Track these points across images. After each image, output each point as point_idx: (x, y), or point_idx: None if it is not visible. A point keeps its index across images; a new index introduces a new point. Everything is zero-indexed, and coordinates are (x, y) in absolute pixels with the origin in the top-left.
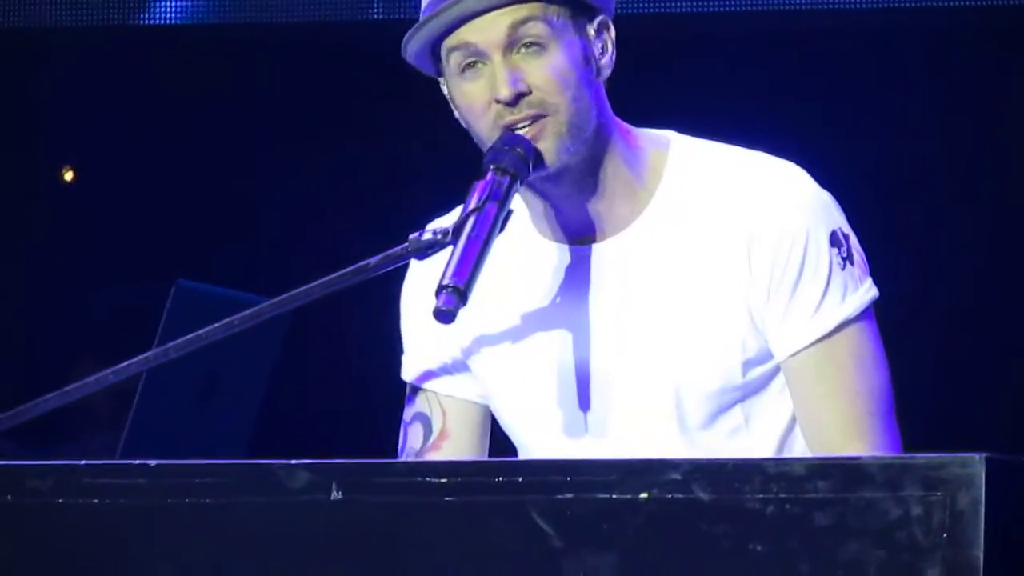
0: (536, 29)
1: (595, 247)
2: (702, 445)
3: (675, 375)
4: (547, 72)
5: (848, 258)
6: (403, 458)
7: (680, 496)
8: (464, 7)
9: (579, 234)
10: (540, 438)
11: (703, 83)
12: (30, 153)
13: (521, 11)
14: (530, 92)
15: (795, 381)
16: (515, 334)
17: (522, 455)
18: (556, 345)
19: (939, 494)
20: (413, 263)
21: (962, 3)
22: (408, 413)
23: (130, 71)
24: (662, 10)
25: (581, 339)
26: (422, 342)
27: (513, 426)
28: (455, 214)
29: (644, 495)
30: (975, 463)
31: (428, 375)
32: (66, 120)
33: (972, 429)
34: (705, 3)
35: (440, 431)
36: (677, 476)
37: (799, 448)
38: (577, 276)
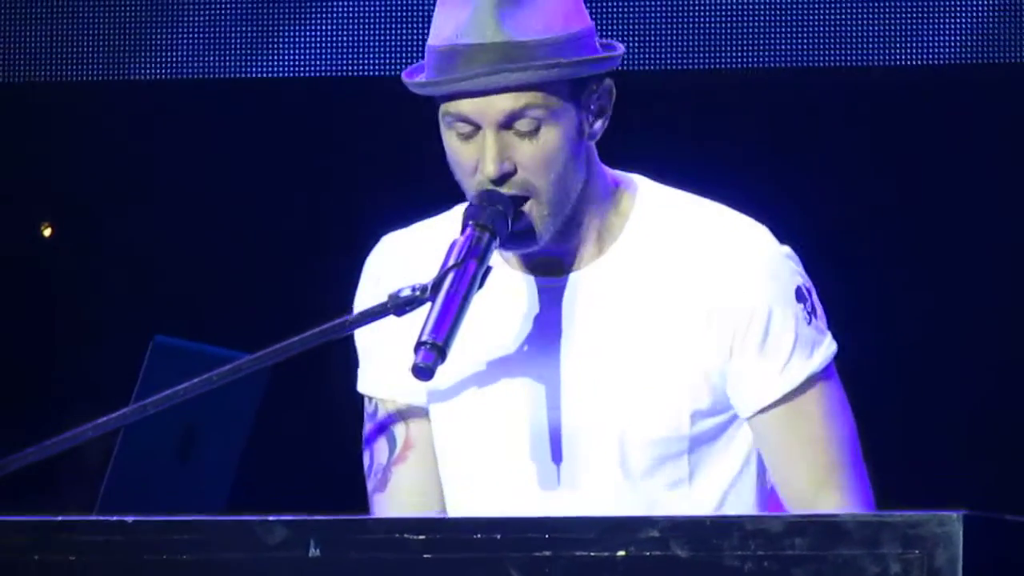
0: (534, 113)
1: (557, 280)
2: (642, 493)
3: (621, 419)
4: (537, 154)
5: (812, 312)
6: (372, 477)
7: (659, 553)
8: (466, 86)
9: (543, 267)
10: (483, 486)
11: (661, 136)
12: (9, 208)
13: (522, 99)
14: (515, 172)
15: (765, 436)
16: (472, 366)
17: (460, 489)
18: (509, 382)
19: (917, 552)
20: (368, 273)
21: (909, 63)
22: (369, 429)
23: (108, 126)
24: (635, 68)
25: (536, 376)
26: (381, 352)
27: (456, 460)
28: (414, 229)
29: (622, 553)
30: (953, 521)
31: (387, 386)
32: (44, 175)
33: (943, 483)
34: (664, 61)
35: (404, 442)
36: (655, 533)
37: (740, 505)
38: (537, 309)
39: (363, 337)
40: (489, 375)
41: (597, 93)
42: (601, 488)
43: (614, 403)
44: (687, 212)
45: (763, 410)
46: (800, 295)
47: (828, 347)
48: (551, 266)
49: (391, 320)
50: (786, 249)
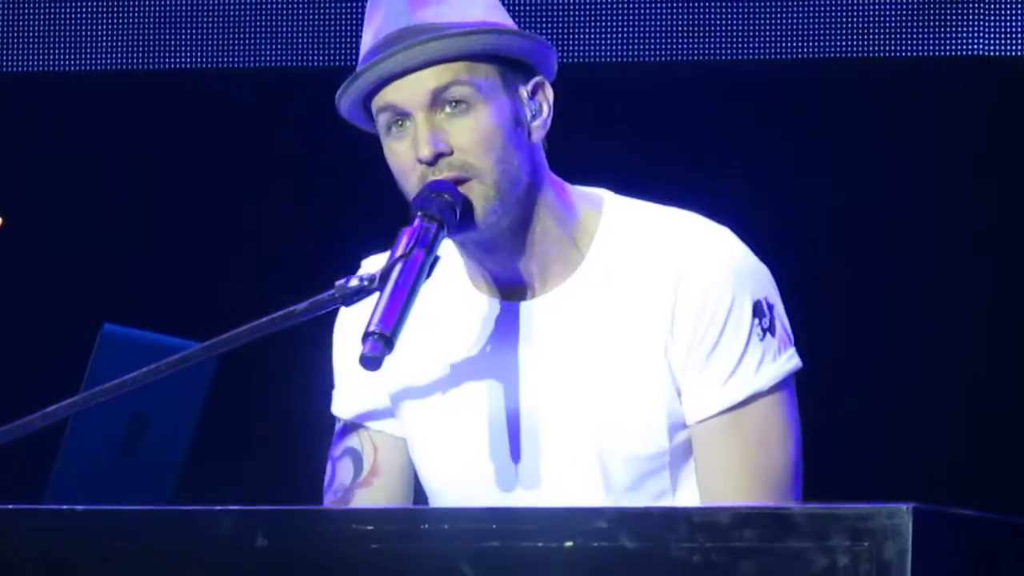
0: (460, 91)
1: (526, 304)
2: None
3: (599, 439)
4: (470, 133)
5: (769, 329)
6: (332, 493)
7: (606, 544)
8: (385, 68)
9: (512, 290)
10: (464, 492)
11: (636, 133)
12: None
13: (445, 73)
14: (451, 152)
15: (699, 447)
16: (444, 387)
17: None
18: (485, 403)
19: (866, 544)
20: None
21: (882, 55)
22: (337, 448)
23: (56, 116)
24: (591, 60)
25: (511, 398)
26: (354, 378)
27: (434, 478)
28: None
29: (569, 543)
30: (902, 514)
31: (360, 411)
32: None
33: (897, 481)
34: (633, 53)
35: (371, 468)
36: (603, 524)
37: None
38: (508, 332)
39: (338, 359)
40: (457, 399)
41: (529, 86)
42: (583, 501)
43: (592, 425)
44: (654, 224)
45: (702, 421)
46: (758, 308)
47: (782, 365)
48: (519, 289)
49: None
50: (756, 261)
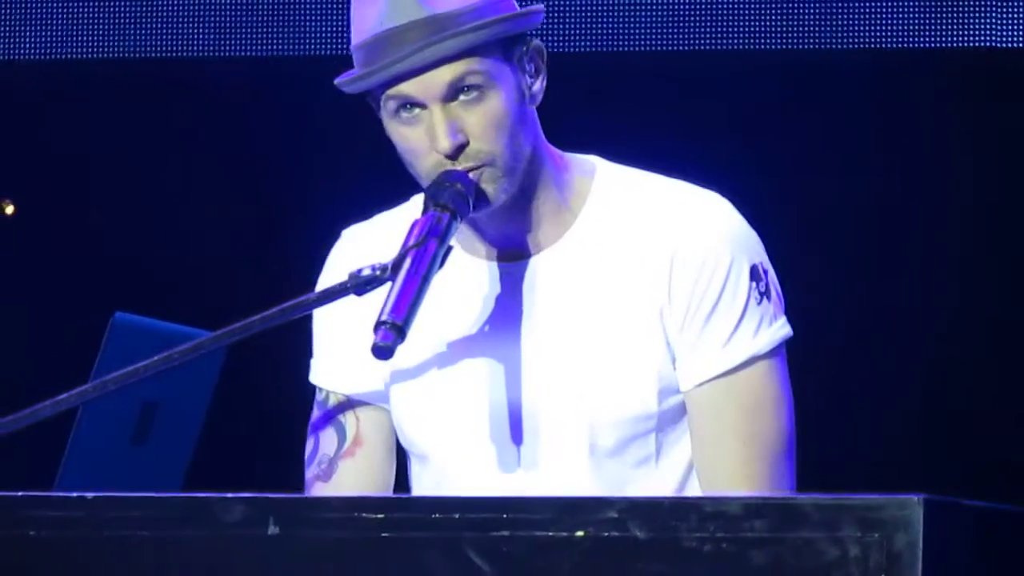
0: (474, 79)
1: (518, 265)
2: (609, 473)
3: (588, 400)
4: (485, 120)
5: (766, 293)
6: (315, 465)
7: (616, 534)
8: (401, 67)
9: (505, 252)
10: (450, 458)
11: (633, 119)
12: None
13: (459, 68)
14: (468, 142)
15: (695, 414)
16: (441, 353)
17: (419, 467)
18: (484, 372)
19: (876, 535)
20: (329, 266)
21: (894, 46)
22: (317, 416)
23: (69, 105)
24: (597, 49)
25: (499, 358)
26: (337, 346)
27: (426, 444)
28: (374, 221)
29: (580, 533)
30: (913, 504)
31: (342, 380)
32: (5, 153)
33: (905, 468)
34: (638, 42)
35: (353, 437)
36: (613, 514)
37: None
38: (503, 295)
39: (320, 328)
40: (451, 358)
41: (528, 54)
42: (566, 468)
43: (581, 384)
44: (647, 188)
45: (699, 385)
46: (755, 273)
47: (777, 331)
48: (511, 251)
49: (348, 313)
50: (749, 227)
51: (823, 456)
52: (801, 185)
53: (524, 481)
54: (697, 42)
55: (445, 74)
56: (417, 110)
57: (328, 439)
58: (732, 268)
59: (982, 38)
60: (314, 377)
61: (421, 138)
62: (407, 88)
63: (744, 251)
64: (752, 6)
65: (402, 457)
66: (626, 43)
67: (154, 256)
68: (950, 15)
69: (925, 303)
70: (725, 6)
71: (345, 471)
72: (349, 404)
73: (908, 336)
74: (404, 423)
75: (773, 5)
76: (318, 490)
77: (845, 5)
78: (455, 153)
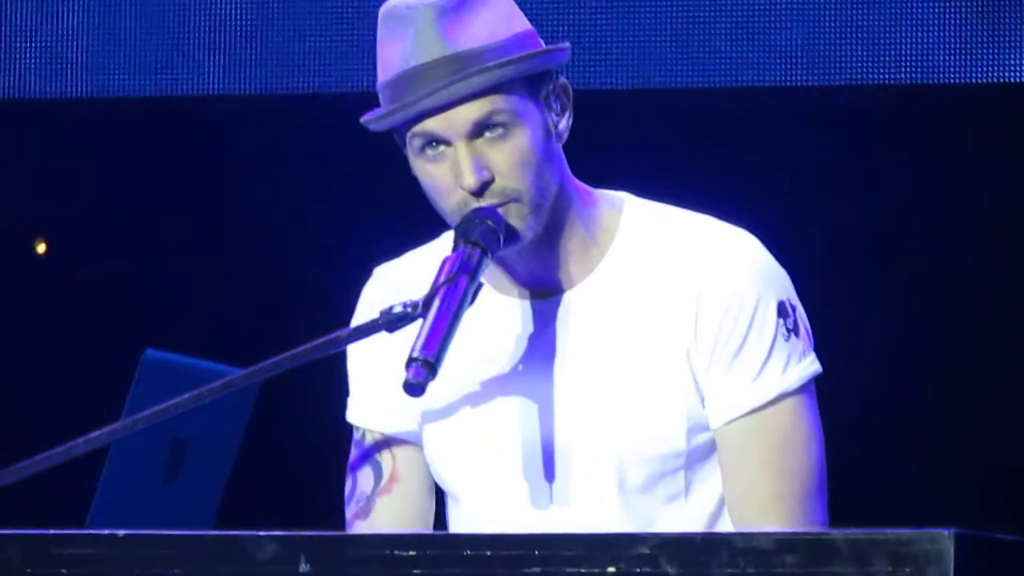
0: (500, 117)
1: (548, 302)
2: (638, 509)
3: (616, 438)
4: (510, 157)
5: (794, 330)
6: (353, 503)
7: (648, 570)
8: (427, 104)
9: (533, 289)
10: (482, 494)
11: (661, 156)
12: (3, 224)
13: (485, 105)
14: (493, 179)
15: (725, 451)
16: (473, 392)
17: (452, 503)
18: (516, 410)
19: (908, 570)
20: (362, 304)
21: (917, 81)
22: (355, 456)
23: (99, 142)
24: (624, 86)
25: (531, 395)
26: (372, 384)
27: (459, 482)
28: (405, 259)
29: (612, 569)
30: (944, 539)
31: (377, 418)
32: (40, 191)
33: (934, 503)
34: (663, 79)
35: (390, 475)
36: (645, 550)
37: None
38: (529, 331)
39: (354, 367)
40: (484, 395)
41: (554, 90)
42: (596, 505)
43: (610, 422)
44: (675, 224)
45: (729, 423)
46: (783, 309)
47: (806, 368)
48: (541, 289)
49: (382, 351)
50: (777, 264)
51: (854, 490)
52: (827, 220)
53: (556, 517)
54: (720, 78)
55: (470, 111)
56: (442, 147)
57: (365, 477)
58: (759, 305)
59: (1005, 74)
60: (350, 416)
61: (446, 175)
62: (432, 125)
63: (771, 288)
64: (774, 42)
65: (441, 493)
66: (649, 79)
67: (186, 294)
68: (971, 50)
69: (952, 338)
70: (748, 43)
71: (382, 508)
72: (385, 442)
73: (936, 370)
74: (437, 461)
75: (795, 41)
76: (357, 528)
77: (868, 40)
78: (480, 190)
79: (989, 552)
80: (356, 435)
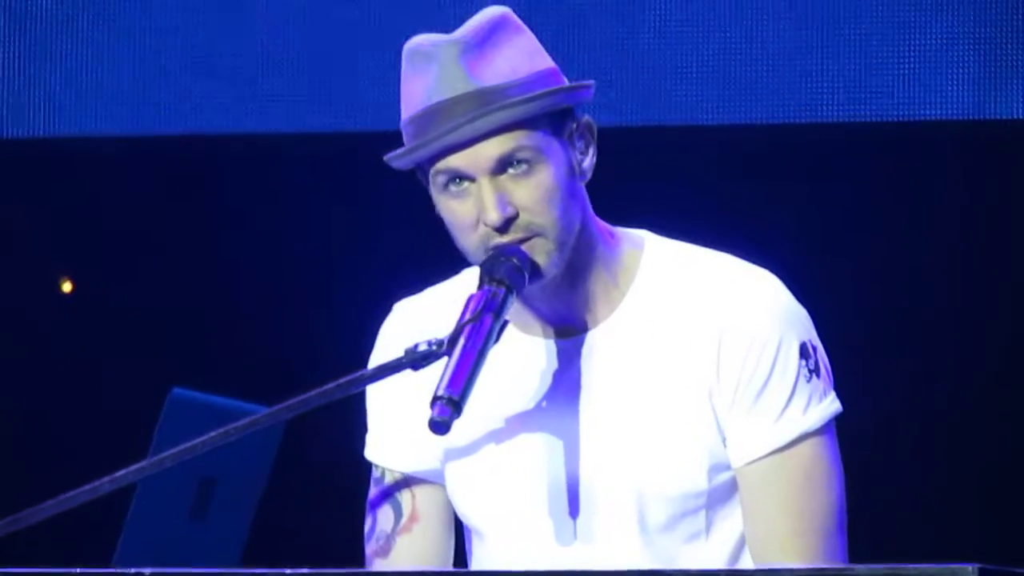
0: (524, 153)
1: (571, 341)
2: (660, 547)
3: (638, 477)
4: (534, 193)
5: (815, 370)
6: (373, 542)
7: None
8: (450, 139)
9: (557, 328)
10: (507, 531)
11: (681, 193)
12: (27, 264)
13: (508, 142)
14: (517, 215)
15: (746, 490)
16: (496, 431)
17: (476, 540)
18: (540, 449)
19: None
20: (382, 340)
21: (937, 117)
22: (374, 494)
23: (123, 180)
24: (642, 123)
25: (556, 433)
26: (392, 422)
27: (475, 517)
28: (425, 295)
29: None
30: (967, 574)
31: (396, 457)
32: (64, 230)
33: (958, 538)
34: (682, 116)
35: (410, 514)
36: None
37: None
38: (554, 370)
39: (374, 405)
40: (508, 433)
41: (578, 129)
42: (618, 543)
43: (632, 461)
44: (697, 263)
45: (751, 463)
46: (804, 350)
47: (827, 407)
48: (564, 327)
49: (403, 389)
50: (798, 305)
51: (874, 523)
52: (848, 258)
53: (580, 554)
54: (740, 115)
55: (493, 147)
56: (466, 183)
57: (385, 516)
58: (781, 346)
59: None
60: (369, 454)
61: (470, 211)
62: (455, 161)
63: (793, 329)
64: (791, 80)
65: (460, 530)
66: (669, 116)
67: (211, 332)
68: (990, 86)
69: (975, 377)
70: (767, 79)
71: (402, 547)
72: (405, 481)
73: (958, 408)
74: (461, 498)
75: (810, 78)
76: (377, 566)
77: (889, 76)
78: (504, 226)
79: None
80: (376, 472)
